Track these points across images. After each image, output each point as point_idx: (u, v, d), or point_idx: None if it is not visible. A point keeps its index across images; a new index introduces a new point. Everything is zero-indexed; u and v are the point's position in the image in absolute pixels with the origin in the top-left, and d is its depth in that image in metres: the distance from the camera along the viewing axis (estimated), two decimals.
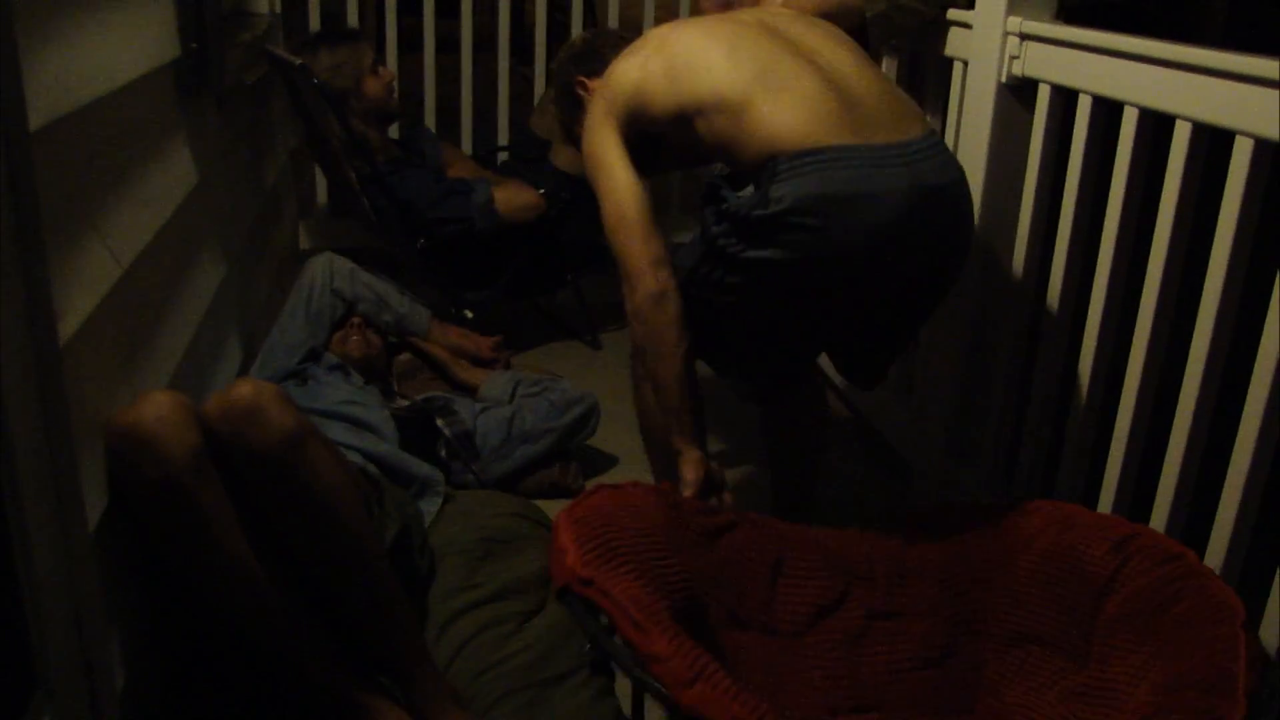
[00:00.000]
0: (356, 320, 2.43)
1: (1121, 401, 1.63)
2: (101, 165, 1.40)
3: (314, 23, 3.19)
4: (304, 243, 3.32)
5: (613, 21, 3.37)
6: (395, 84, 3.00)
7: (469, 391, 2.51)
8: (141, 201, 1.56)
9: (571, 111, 1.99)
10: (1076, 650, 1.42)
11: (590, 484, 2.32)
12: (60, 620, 1.10)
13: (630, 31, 2.35)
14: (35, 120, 1.09)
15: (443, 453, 2.23)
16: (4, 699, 1.06)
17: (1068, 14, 1.86)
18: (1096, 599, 1.41)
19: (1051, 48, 1.75)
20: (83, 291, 1.26)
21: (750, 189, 1.56)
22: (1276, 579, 1.34)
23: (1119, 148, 1.62)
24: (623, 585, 1.26)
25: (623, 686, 1.55)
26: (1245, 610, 1.26)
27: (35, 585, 1.04)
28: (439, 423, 2.24)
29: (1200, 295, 1.46)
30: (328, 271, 2.44)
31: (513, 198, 2.87)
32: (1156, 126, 1.56)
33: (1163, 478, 1.54)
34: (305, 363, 2.24)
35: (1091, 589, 1.42)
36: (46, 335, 1.09)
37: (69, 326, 1.19)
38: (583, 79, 1.94)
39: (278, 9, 2.85)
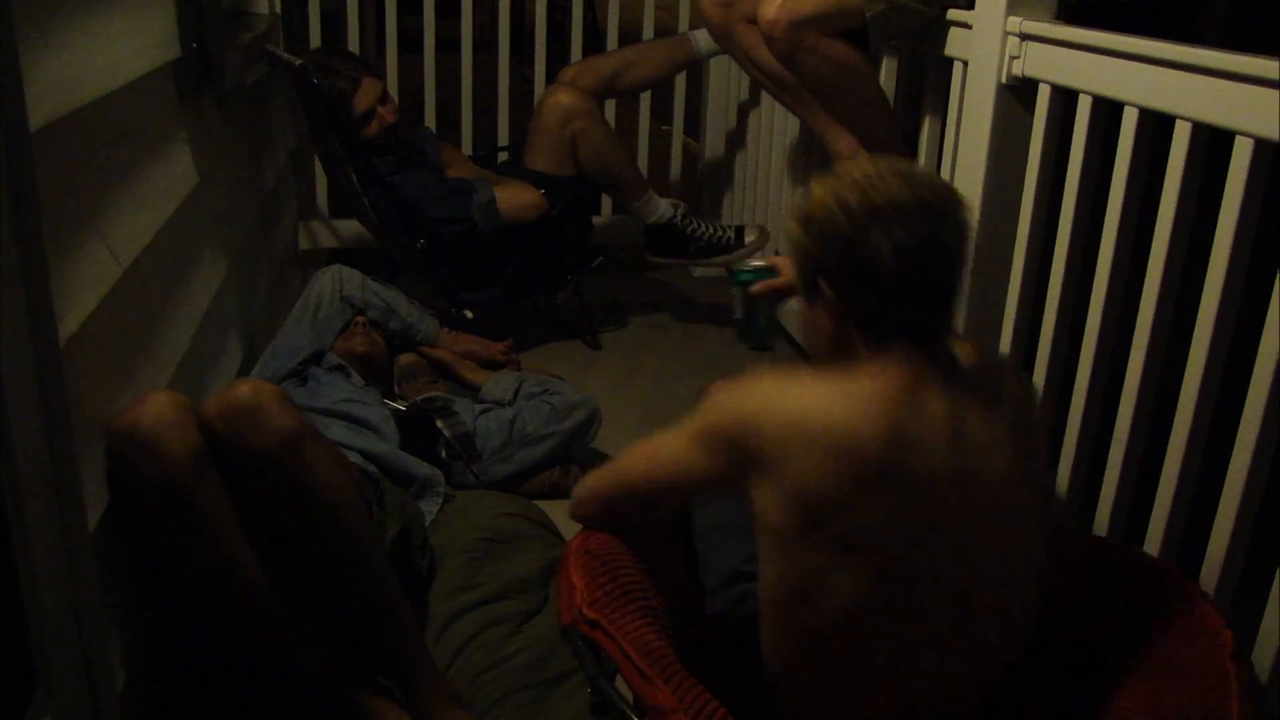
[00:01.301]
0: (362, 320, 2.44)
1: (1121, 402, 1.63)
2: (101, 165, 1.40)
3: (314, 22, 3.18)
4: (304, 243, 3.31)
5: (613, 21, 3.36)
6: (395, 116, 2.91)
7: (475, 390, 2.52)
8: (141, 201, 1.56)
9: (805, 282, 1.34)
10: (1061, 674, 1.41)
11: None
12: (60, 620, 1.10)
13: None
14: (35, 120, 1.09)
15: (443, 453, 2.23)
16: (4, 699, 1.06)
17: (1068, 14, 1.86)
18: (1081, 625, 1.39)
19: (1051, 48, 1.75)
20: (83, 291, 1.26)
21: None
22: (1272, 594, 1.33)
23: (1119, 148, 1.61)
24: (629, 627, 1.24)
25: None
26: (1233, 639, 1.23)
27: (35, 585, 1.04)
28: (439, 424, 2.24)
29: (1200, 295, 1.45)
30: (337, 281, 2.48)
31: (514, 197, 2.86)
32: (1156, 126, 1.56)
33: (1162, 477, 1.54)
34: (306, 364, 2.24)
35: (1075, 616, 1.40)
36: (46, 335, 1.09)
37: (69, 326, 1.19)
38: (823, 282, 1.27)
39: (278, 9, 2.84)
